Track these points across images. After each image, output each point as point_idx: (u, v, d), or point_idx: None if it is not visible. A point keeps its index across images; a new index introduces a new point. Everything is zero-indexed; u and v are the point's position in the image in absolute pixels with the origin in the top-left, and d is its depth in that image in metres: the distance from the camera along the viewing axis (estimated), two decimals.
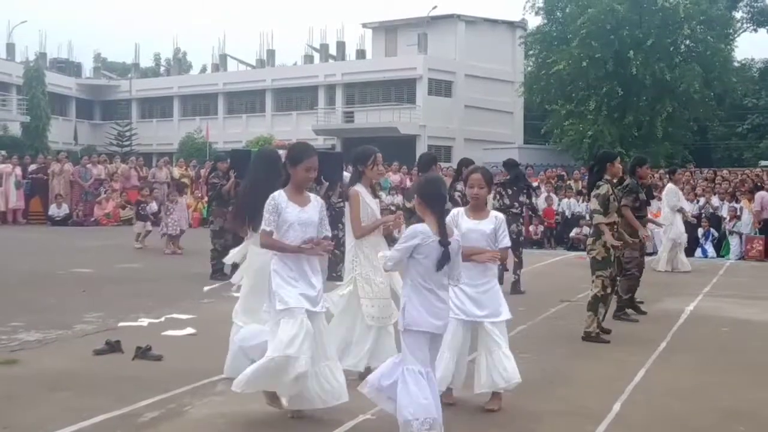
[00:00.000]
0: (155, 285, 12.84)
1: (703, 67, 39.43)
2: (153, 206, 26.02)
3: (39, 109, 45.63)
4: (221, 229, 13.57)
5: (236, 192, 13.86)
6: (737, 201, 19.86)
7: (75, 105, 59.01)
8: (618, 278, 9.51)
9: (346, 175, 17.39)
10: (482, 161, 38.66)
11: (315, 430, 5.63)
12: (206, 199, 20.80)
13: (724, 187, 21.47)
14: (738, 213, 19.39)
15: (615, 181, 9.47)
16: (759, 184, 21.16)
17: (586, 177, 14.70)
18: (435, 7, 50.65)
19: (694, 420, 6.09)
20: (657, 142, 40.27)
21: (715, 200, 20.44)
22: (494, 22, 52.63)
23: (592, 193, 9.04)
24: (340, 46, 57.22)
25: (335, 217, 13.67)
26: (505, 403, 6.38)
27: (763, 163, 37.56)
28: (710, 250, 19.37)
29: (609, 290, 8.96)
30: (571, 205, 21.95)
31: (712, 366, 7.93)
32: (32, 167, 26.43)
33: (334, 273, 13.42)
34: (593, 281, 8.88)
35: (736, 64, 45.10)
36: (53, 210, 25.27)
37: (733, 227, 19.27)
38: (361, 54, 56.48)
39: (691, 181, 22.94)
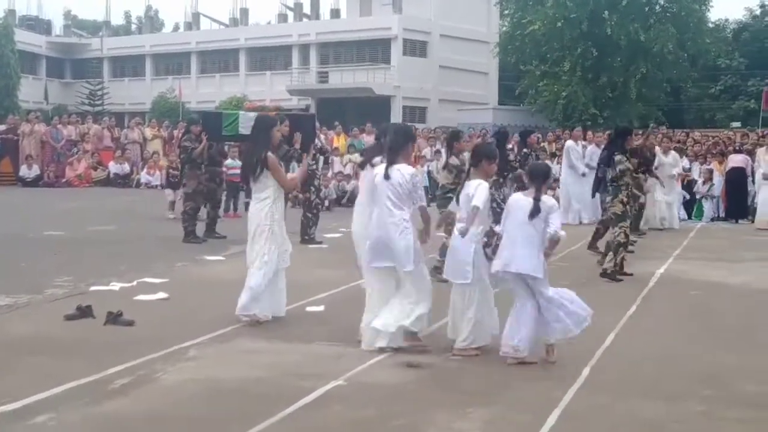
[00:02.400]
0: (128, 248, 12.75)
1: (677, 28, 39.46)
2: (125, 167, 25.97)
3: (8, 68, 45.03)
4: (193, 192, 13.50)
5: (209, 154, 13.80)
6: (708, 163, 19.94)
7: (45, 63, 58.23)
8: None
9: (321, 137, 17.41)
10: (456, 122, 38.66)
11: (286, 396, 5.64)
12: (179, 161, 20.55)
13: (696, 149, 21.55)
14: (710, 176, 19.49)
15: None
16: (731, 146, 21.27)
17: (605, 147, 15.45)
18: None
19: (662, 384, 6.15)
20: (630, 103, 40.43)
21: (685, 162, 20.50)
22: None
23: (618, 167, 10.66)
24: (314, 5, 56.71)
25: (307, 180, 13.60)
26: (473, 369, 6.44)
27: (734, 124, 37.77)
28: (681, 212, 19.46)
29: (629, 238, 10.88)
30: None
31: (681, 329, 8.01)
32: (1, 127, 26.13)
33: (306, 236, 13.43)
34: (616, 232, 10.64)
35: (710, 24, 45.19)
36: (24, 171, 25.01)
37: (708, 191, 19.33)
38: (335, 13, 56.02)
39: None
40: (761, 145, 18.87)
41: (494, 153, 7.17)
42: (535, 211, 6.54)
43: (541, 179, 6.72)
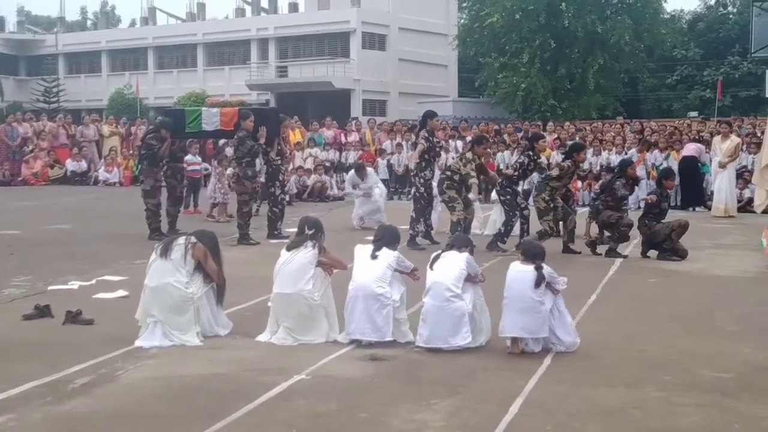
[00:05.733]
0: (86, 246, 12.59)
1: (633, 19, 39.89)
2: (83, 165, 25.65)
3: None
4: (153, 189, 13.33)
5: (170, 151, 13.64)
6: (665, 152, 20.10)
7: None
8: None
9: None
10: (417, 115, 38.64)
11: (249, 391, 5.62)
12: (137, 157, 20.34)
13: (656, 138, 21.71)
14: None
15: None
16: (689, 135, 21.51)
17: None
18: None
19: (622, 371, 6.23)
20: (589, 93, 40.80)
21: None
22: None
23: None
24: None
25: (272, 174, 13.55)
26: (437, 359, 6.46)
27: (691, 114, 38.23)
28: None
29: (553, 230, 11.94)
30: (505, 159, 21.97)
31: (640, 317, 8.10)
32: None
33: (275, 231, 13.36)
34: (541, 223, 11.78)
35: (665, 15, 45.68)
36: None
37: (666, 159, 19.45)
38: (293, 7, 55.73)
39: (622, 134, 23.13)
40: (718, 133, 19.04)
41: None
42: (540, 280, 6.68)
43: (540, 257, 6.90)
